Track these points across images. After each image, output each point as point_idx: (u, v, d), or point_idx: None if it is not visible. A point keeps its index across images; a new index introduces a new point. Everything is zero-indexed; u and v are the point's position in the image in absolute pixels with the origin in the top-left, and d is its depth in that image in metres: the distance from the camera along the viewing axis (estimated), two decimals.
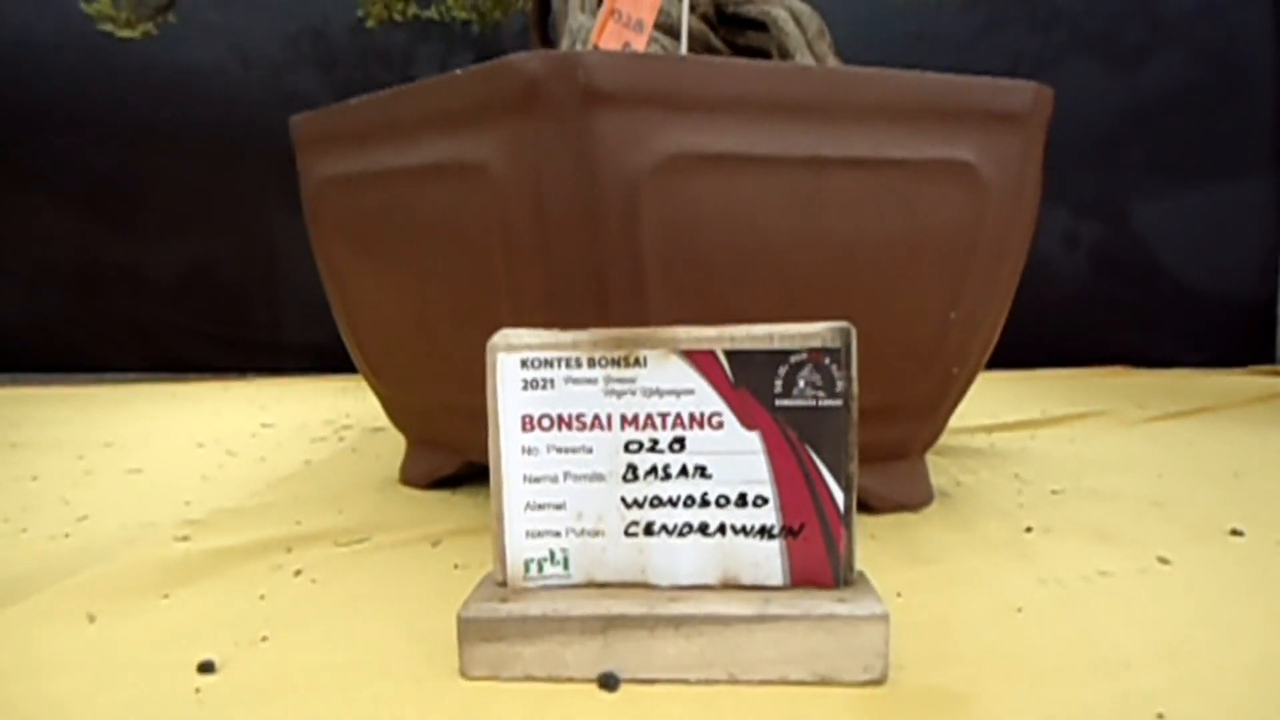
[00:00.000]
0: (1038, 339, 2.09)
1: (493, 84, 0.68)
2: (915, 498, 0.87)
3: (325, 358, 2.07)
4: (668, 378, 0.53)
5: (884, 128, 0.72)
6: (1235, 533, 0.79)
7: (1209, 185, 2.10)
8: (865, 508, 0.85)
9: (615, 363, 0.53)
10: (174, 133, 2.10)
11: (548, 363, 0.54)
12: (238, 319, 2.18)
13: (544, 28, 1.16)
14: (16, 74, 2.07)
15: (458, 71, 0.71)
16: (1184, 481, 0.98)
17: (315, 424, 1.38)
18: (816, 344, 0.52)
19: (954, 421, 1.31)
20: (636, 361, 0.53)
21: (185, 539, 0.79)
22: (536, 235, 0.68)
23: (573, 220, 0.67)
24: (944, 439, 1.22)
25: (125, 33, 1.29)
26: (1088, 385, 1.77)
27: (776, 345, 0.52)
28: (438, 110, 0.73)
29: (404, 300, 0.83)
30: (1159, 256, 2.12)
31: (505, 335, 0.55)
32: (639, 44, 0.78)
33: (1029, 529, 0.80)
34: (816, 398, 0.52)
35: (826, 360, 0.52)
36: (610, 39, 0.76)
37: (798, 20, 0.91)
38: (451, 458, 0.93)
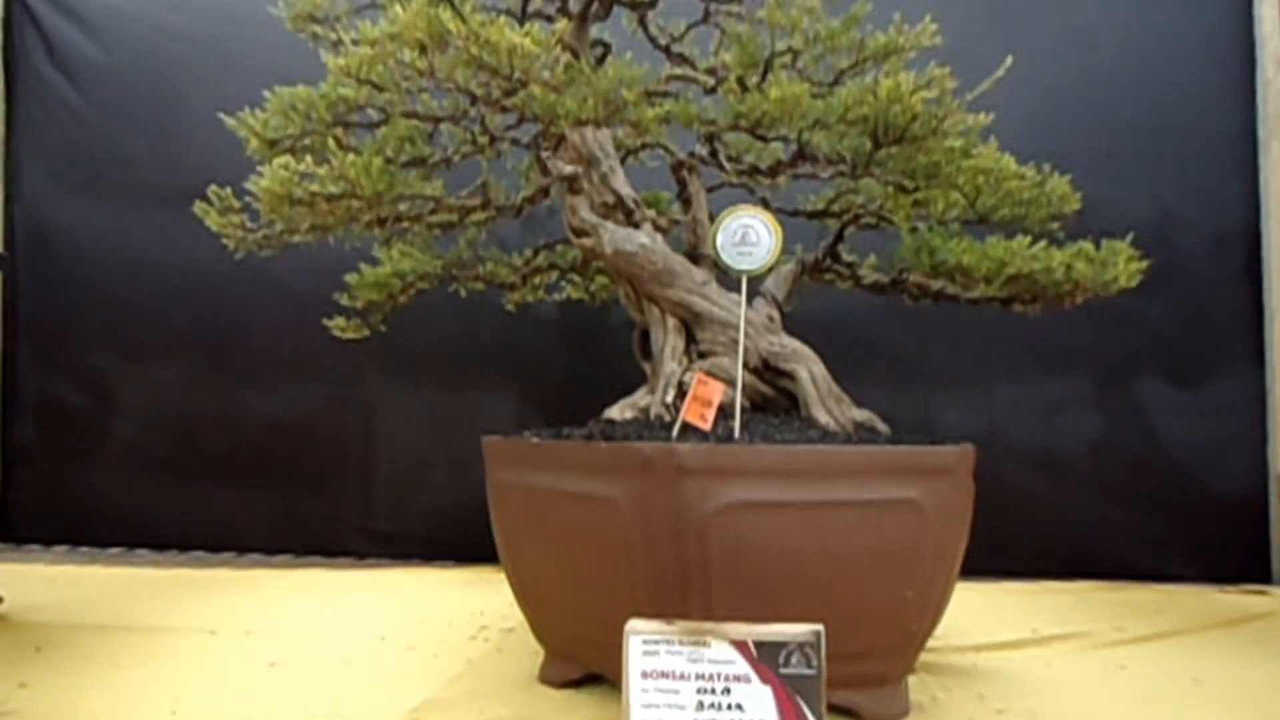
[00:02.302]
0: (1059, 547, 2.49)
1: (624, 456, 1.21)
2: (894, 713, 1.31)
3: (409, 545, 2.62)
4: (721, 654, 1.01)
5: (858, 481, 1.21)
6: None
7: (1206, 400, 2.49)
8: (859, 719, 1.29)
9: (693, 644, 1.02)
10: (277, 296, 2.66)
11: (656, 642, 1.03)
12: (338, 496, 2.69)
13: (645, 348, 1.70)
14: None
15: (602, 445, 1.24)
16: (1100, 707, 1.39)
17: (461, 621, 1.88)
18: (801, 639, 1.00)
19: (955, 639, 1.75)
20: (705, 644, 1.02)
21: None
22: (646, 547, 1.19)
23: (668, 540, 1.17)
24: (939, 657, 1.65)
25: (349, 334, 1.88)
26: (1085, 601, 2.15)
27: (779, 639, 1.00)
28: (588, 463, 1.26)
29: (556, 567, 1.33)
30: (1162, 470, 2.50)
31: (633, 625, 1.04)
32: (710, 414, 1.30)
33: None
34: (802, 669, 1.00)
35: (807, 649, 1.00)
36: (692, 415, 1.29)
37: (815, 382, 1.43)
38: (578, 667, 1.41)
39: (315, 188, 1.20)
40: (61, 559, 2.57)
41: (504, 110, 1.29)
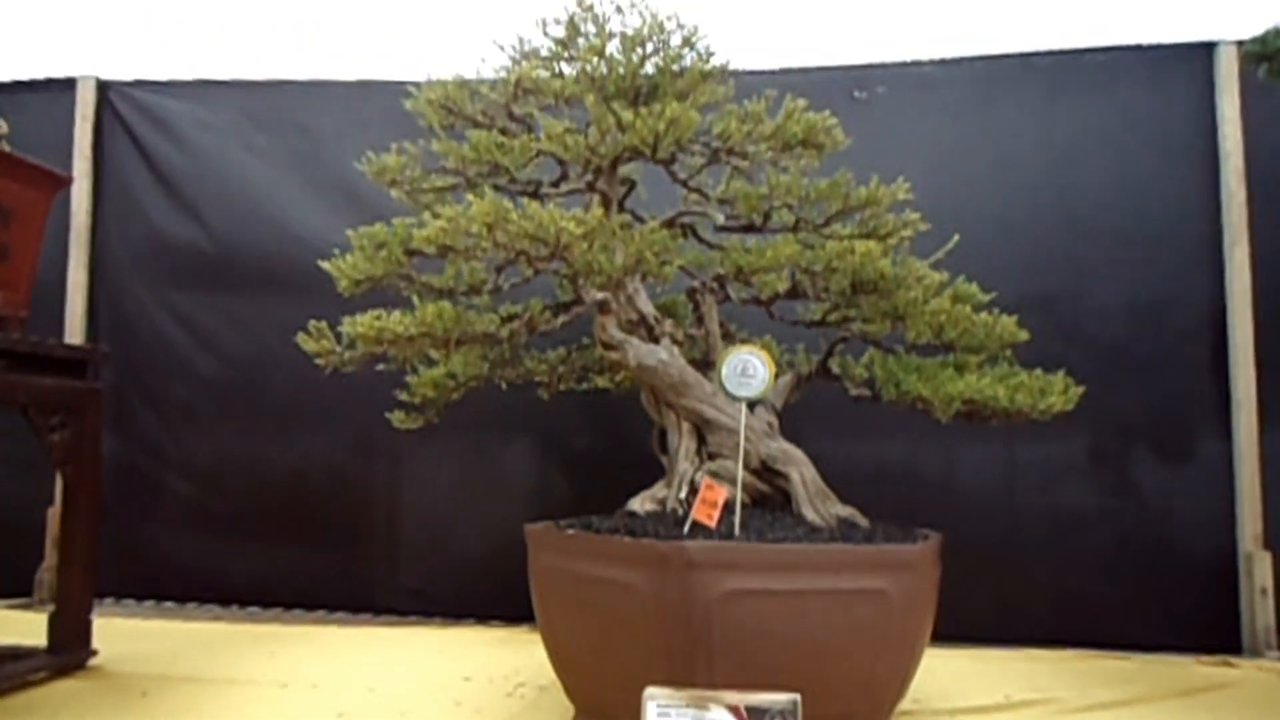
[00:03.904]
0: (1050, 615, 2.74)
1: (643, 551, 1.51)
2: None
3: (444, 604, 2.92)
4: (719, 718, 1.30)
5: (835, 574, 1.50)
6: None
7: (1181, 481, 2.74)
8: None
9: (697, 708, 1.31)
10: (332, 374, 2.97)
11: (668, 706, 1.31)
12: (360, 552, 3.01)
13: (663, 444, 2.00)
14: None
15: (627, 540, 1.54)
16: None
17: (499, 678, 2.16)
18: (781, 707, 1.29)
19: (935, 702, 2.02)
20: (706, 708, 1.31)
21: None
22: (660, 626, 1.48)
23: (679, 621, 1.47)
24: (918, 718, 1.91)
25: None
26: (1061, 669, 2.40)
27: (764, 705, 1.29)
28: (613, 554, 1.55)
29: (586, 638, 1.63)
30: (1143, 545, 2.74)
31: (650, 691, 1.33)
32: (715, 513, 1.60)
33: None
34: None
35: (787, 714, 1.28)
36: (701, 514, 1.58)
37: (804, 483, 1.72)
38: None
39: (400, 330, 1.52)
40: (147, 613, 2.92)
41: (550, 260, 1.62)
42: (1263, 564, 2.64)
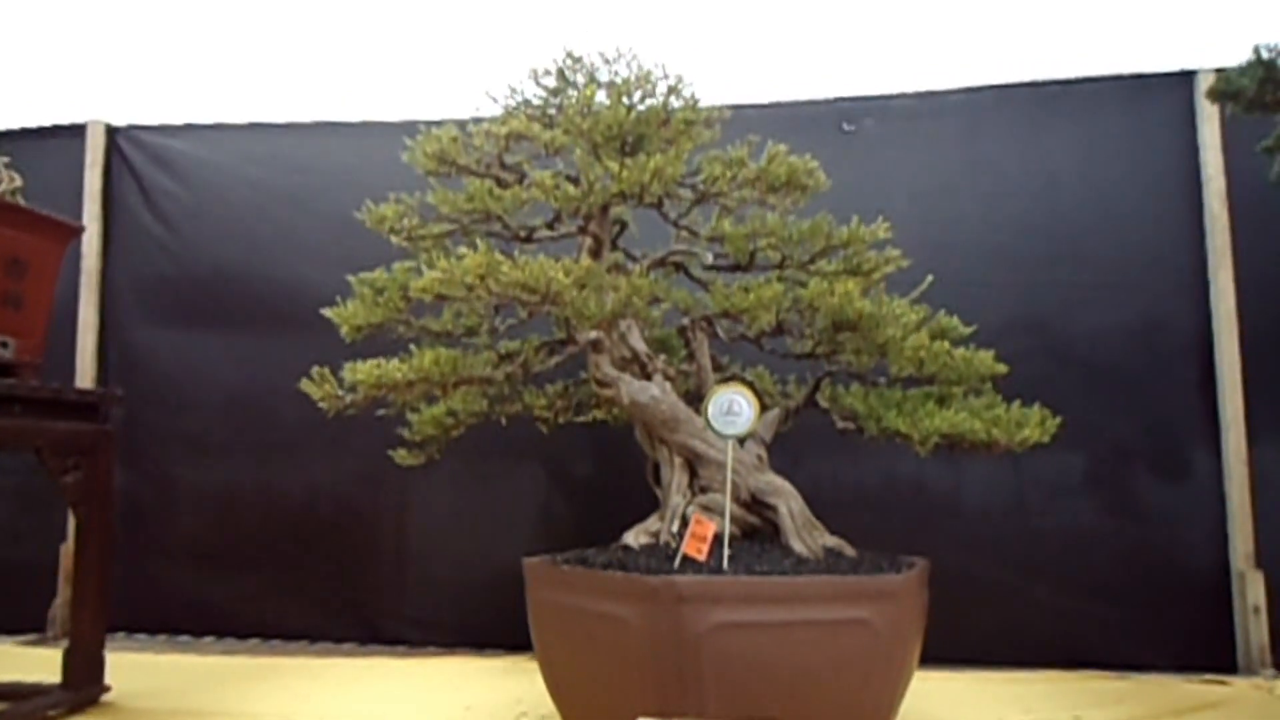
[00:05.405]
0: (1053, 639, 2.78)
1: (635, 585, 1.57)
2: None
3: (448, 633, 2.98)
4: None
5: (819, 605, 1.57)
6: None
7: (1173, 502, 2.79)
8: None
9: None
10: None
11: None
12: (366, 582, 3.08)
13: (656, 477, 2.07)
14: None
15: (619, 575, 1.61)
16: None
17: (503, 708, 2.22)
18: None
19: None
20: None
21: None
22: (652, 657, 1.55)
23: (669, 652, 1.53)
24: None
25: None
26: (1055, 690, 2.45)
27: None
28: (607, 589, 1.62)
29: (582, 669, 1.69)
30: (1139, 566, 2.79)
31: None
32: (705, 547, 1.67)
33: None
34: None
35: None
36: (691, 549, 1.65)
37: (792, 515, 1.79)
38: None
39: (399, 376, 1.60)
40: (159, 647, 3.00)
41: (542, 304, 1.69)
42: (1255, 583, 2.69)
